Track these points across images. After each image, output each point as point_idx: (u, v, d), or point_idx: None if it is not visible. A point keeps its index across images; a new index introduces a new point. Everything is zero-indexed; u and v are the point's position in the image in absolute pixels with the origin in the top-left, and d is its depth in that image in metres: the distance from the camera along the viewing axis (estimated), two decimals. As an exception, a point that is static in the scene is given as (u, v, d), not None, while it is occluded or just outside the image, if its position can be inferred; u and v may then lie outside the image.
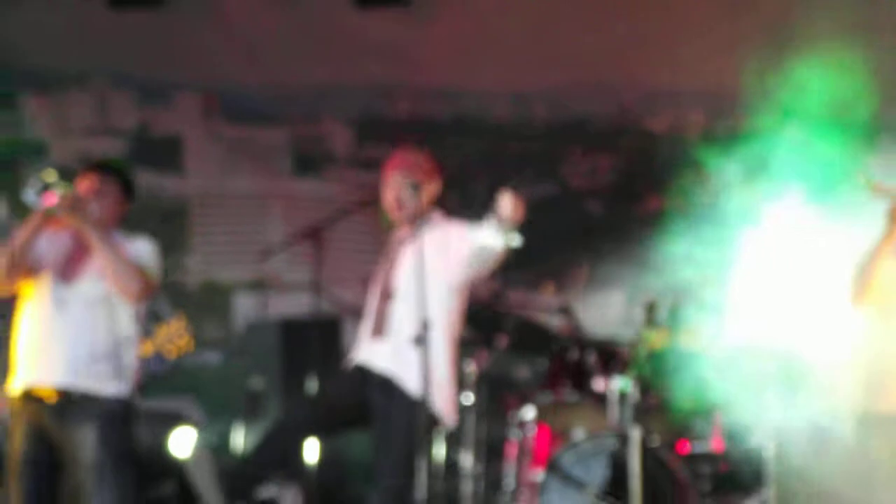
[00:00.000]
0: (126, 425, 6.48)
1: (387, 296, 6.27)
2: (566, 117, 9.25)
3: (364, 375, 6.21)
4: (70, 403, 6.27)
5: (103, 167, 6.40)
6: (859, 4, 9.56)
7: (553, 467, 7.05)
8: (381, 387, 6.14)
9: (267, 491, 8.14)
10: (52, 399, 6.29)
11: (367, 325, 6.36)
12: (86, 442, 6.48)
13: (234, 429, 8.31)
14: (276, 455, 6.61)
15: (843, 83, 8.73)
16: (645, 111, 9.27)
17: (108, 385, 6.29)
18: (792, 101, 8.55)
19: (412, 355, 6.04)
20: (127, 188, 6.33)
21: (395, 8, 8.98)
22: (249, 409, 8.24)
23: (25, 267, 6.24)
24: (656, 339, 8.35)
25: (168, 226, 8.67)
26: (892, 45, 9.90)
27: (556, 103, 9.30)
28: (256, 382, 8.42)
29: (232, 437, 8.35)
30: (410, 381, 6.07)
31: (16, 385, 6.32)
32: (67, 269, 6.29)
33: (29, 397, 6.28)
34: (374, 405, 6.14)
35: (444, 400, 6.15)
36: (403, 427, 6.12)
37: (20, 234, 6.17)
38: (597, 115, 9.39)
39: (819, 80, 8.76)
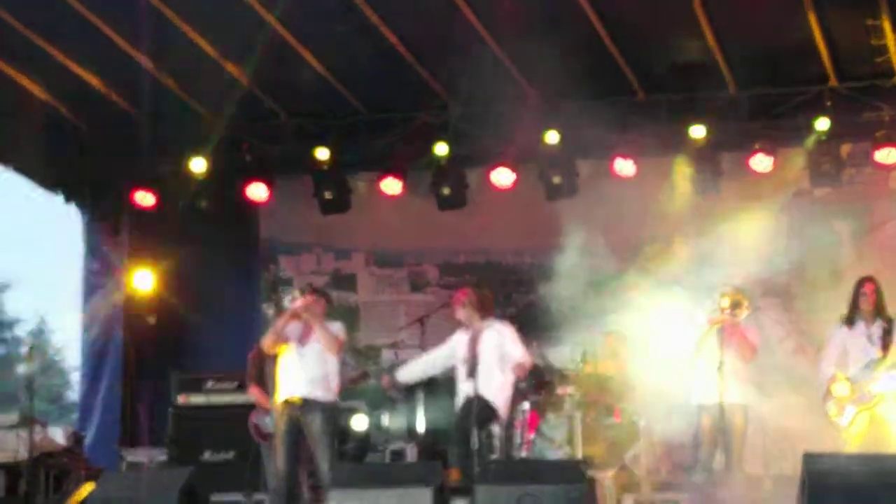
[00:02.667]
0: (334, 414, 10.60)
1: (474, 358, 10.91)
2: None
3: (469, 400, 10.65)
4: (308, 404, 10.46)
5: (316, 290, 11.06)
6: None
7: (538, 432, 12.82)
8: (475, 400, 10.63)
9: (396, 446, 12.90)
10: (299, 402, 10.47)
11: (462, 377, 10.80)
12: (316, 422, 10.52)
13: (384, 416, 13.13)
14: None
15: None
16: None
17: (327, 395, 10.53)
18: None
19: (487, 384, 10.90)
20: (328, 300, 11.04)
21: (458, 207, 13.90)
22: (391, 405, 13.07)
23: (282, 340, 10.58)
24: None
25: (351, 317, 14.37)
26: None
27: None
28: (394, 394, 12.89)
29: (383, 421, 13.12)
30: (489, 398, 10.94)
31: (280, 398, 10.53)
32: (302, 339, 10.57)
33: (287, 402, 10.48)
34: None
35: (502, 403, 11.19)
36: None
37: (280, 323, 10.54)
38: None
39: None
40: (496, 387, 11.01)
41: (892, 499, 9.14)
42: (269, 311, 13.80)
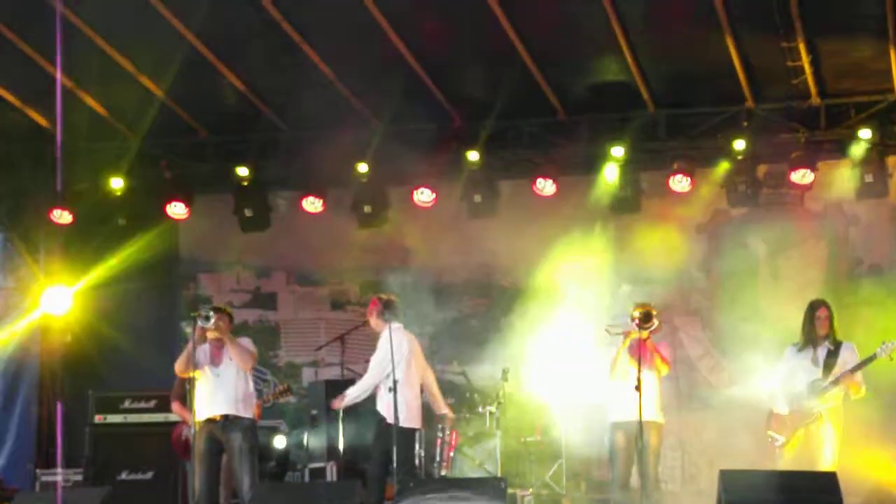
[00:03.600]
0: (253, 432, 10.71)
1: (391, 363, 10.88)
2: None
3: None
4: (228, 421, 10.59)
5: (218, 309, 10.78)
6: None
7: (458, 450, 12.92)
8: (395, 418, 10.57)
9: (316, 464, 12.75)
10: (219, 420, 10.58)
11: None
12: (237, 440, 10.60)
13: (304, 435, 13.01)
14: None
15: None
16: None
17: (246, 412, 10.65)
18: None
19: (406, 399, 10.70)
20: (230, 318, 10.82)
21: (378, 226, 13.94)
22: (311, 424, 13.02)
23: (192, 366, 10.49)
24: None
25: (271, 336, 14.38)
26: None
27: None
28: (314, 412, 13.05)
29: (304, 439, 12.98)
30: (409, 408, 10.76)
31: (199, 417, 10.55)
32: (215, 360, 10.66)
33: (207, 420, 10.57)
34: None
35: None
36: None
37: (189, 347, 10.49)
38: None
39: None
40: (413, 395, 10.99)
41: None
42: (187, 329, 13.67)
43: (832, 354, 11.03)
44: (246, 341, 11.01)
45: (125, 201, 13.79)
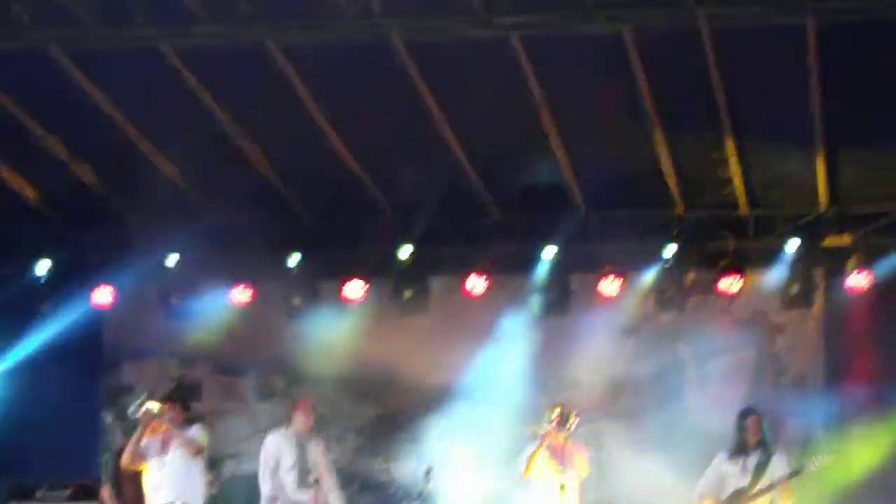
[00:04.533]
0: None
1: (306, 467, 11.29)
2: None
3: None
4: None
5: (172, 398, 11.56)
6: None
7: None
8: None
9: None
10: None
11: (291, 484, 11.22)
12: None
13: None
14: None
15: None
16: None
17: (194, 500, 11.01)
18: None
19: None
20: (184, 405, 11.48)
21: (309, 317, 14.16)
22: None
23: (140, 457, 10.91)
24: None
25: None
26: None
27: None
28: None
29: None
30: None
31: None
32: (163, 448, 10.95)
33: None
34: None
35: None
36: None
37: (134, 438, 10.91)
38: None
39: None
40: (328, 493, 11.08)
41: None
42: (107, 418, 13.56)
43: (762, 463, 11.12)
44: (195, 430, 11.17)
45: (50, 286, 13.62)
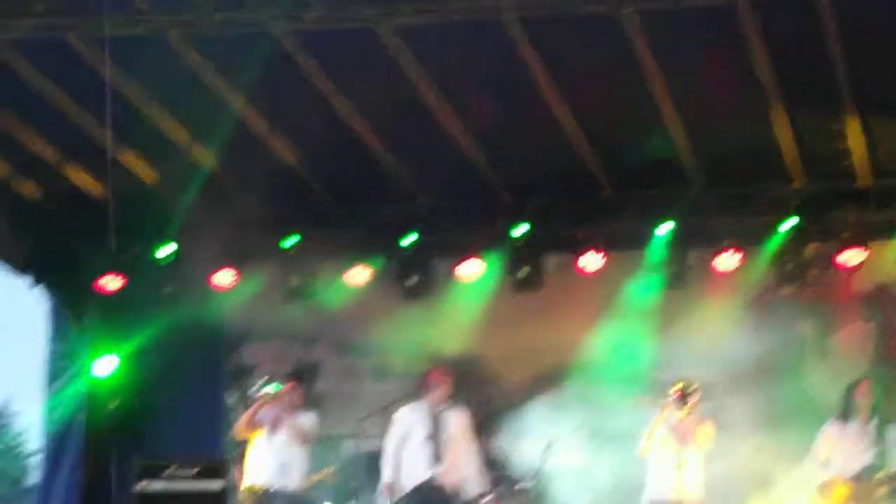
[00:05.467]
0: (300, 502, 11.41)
1: (436, 441, 11.36)
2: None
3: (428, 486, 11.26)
4: (270, 495, 11.13)
5: (296, 378, 11.96)
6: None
7: None
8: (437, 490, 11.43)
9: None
10: (262, 492, 11.16)
11: (419, 458, 11.41)
12: None
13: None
14: None
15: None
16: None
17: (291, 484, 11.18)
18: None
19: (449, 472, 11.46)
20: (305, 388, 11.99)
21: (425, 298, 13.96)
22: (353, 497, 13.14)
23: (254, 425, 11.30)
24: None
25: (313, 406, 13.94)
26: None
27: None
28: (354, 484, 12.91)
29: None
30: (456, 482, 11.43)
31: (247, 482, 11.32)
32: (274, 426, 11.28)
33: (251, 490, 11.18)
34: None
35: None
36: None
37: (252, 409, 11.35)
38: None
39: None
40: (462, 468, 10.92)
41: None
42: (230, 399, 13.78)
43: (880, 432, 11.18)
44: (309, 418, 11.40)
45: (173, 269, 13.88)
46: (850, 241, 12.82)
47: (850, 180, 12.93)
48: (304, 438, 11.21)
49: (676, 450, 10.89)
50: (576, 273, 13.45)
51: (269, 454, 11.14)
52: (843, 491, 11.00)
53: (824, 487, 11.18)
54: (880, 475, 10.96)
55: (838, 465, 11.13)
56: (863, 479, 10.99)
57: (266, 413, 11.23)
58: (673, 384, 11.04)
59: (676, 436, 11.00)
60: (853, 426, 11.15)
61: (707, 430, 11.07)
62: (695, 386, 11.00)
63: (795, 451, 11.97)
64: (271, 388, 11.24)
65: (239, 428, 11.22)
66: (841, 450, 11.15)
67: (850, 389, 11.27)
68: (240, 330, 14.61)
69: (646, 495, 11.24)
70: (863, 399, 11.15)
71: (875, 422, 11.10)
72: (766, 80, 11.34)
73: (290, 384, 11.33)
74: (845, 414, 11.21)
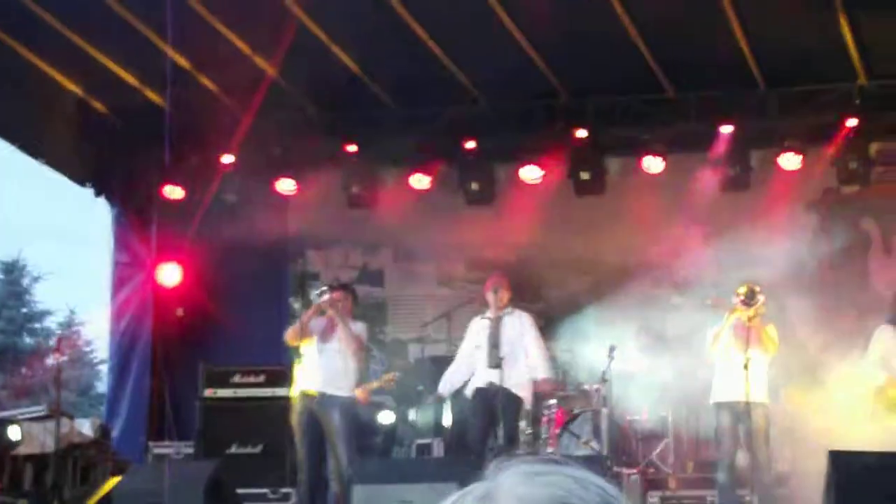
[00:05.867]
0: (351, 410, 11.14)
1: (497, 345, 11.35)
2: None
3: (489, 390, 11.14)
4: (325, 399, 10.98)
5: (345, 287, 11.81)
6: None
7: (564, 428, 13.40)
8: (500, 392, 11.03)
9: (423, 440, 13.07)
10: (316, 396, 10.96)
11: (482, 365, 11.37)
12: (334, 418, 11.01)
13: (411, 411, 13.33)
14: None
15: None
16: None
17: (344, 391, 11.15)
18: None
19: (510, 374, 11.18)
20: (354, 297, 11.71)
21: (486, 203, 14.39)
22: (418, 400, 13.32)
23: (306, 333, 11.15)
24: None
25: (378, 312, 14.45)
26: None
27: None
28: (420, 388, 13.24)
29: (410, 415, 13.32)
30: (512, 388, 11.22)
31: (297, 389, 11.15)
32: (325, 334, 11.17)
33: (304, 394, 11.01)
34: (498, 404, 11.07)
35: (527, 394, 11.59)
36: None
37: (305, 317, 11.17)
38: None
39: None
40: (519, 376, 11.10)
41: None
42: (295, 304, 13.87)
43: None
44: (359, 327, 11.25)
45: (235, 177, 13.96)
46: (915, 138, 12.68)
47: (915, 76, 12.77)
48: (359, 346, 11.19)
49: (742, 351, 10.86)
50: (638, 175, 13.46)
51: (320, 362, 11.14)
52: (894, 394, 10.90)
53: (879, 391, 11.07)
54: None
55: (892, 367, 10.97)
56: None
57: (317, 322, 11.25)
58: (739, 286, 10.97)
59: (742, 337, 10.96)
60: None
61: (771, 332, 11.05)
62: (760, 288, 10.94)
63: (858, 352, 11.80)
64: (323, 294, 11.22)
65: (289, 335, 11.24)
66: (894, 353, 11.01)
67: None
68: (303, 237, 14.73)
69: (712, 396, 11.19)
70: None
71: None
72: (830, -23, 11.25)
73: (338, 292, 11.26)
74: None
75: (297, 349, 11.29)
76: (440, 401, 11.64)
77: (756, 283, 10.91)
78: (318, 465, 11.02)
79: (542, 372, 11.35)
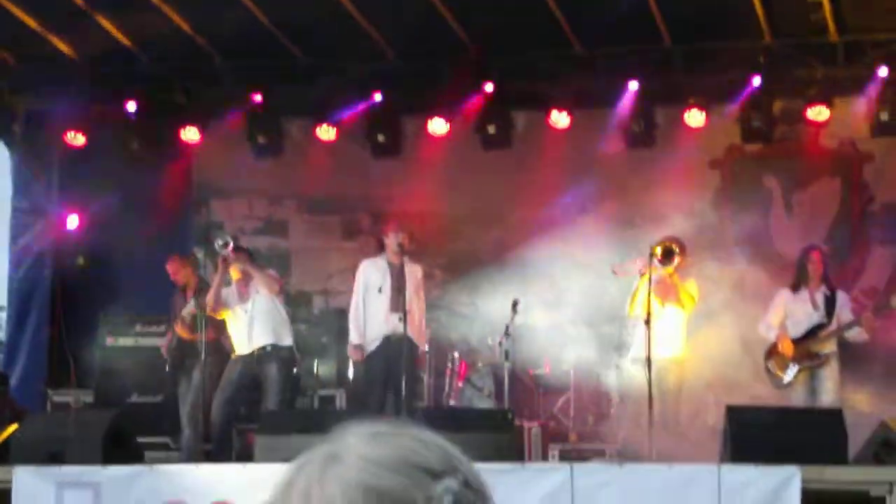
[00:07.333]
0: (291, 362, 11.34)
1: (401, 292, 11.05)
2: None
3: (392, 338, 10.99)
4: (266, 353, 11.14)
5: (238, 247, 11.34)
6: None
7: (467, 381, 13.46)
8: (405, 341, 10.88)
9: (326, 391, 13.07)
10: (257, 352, 11.11)
11: (383, 309, 11.23)
12: (272, 371, 11.16)
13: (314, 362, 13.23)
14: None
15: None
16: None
17: (284, 340, 11.22)
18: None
19: (412, 322, 11.03)
20: (250, 256, 11.58)
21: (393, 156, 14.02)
22: (321, 351, 14.13)
23: (222, 306, 11.17)
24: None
25: (283, 263, 14.03)
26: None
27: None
28: (324, 339, 13.55)
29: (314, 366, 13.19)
30: (413, 337, 11.10)
31: (238, 352, 11.22)
32: (243, 297, 11.20)
33: (243, 355, 11.16)
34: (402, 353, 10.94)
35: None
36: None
37: (215, 284, 11.12)
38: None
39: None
40: (419, 325, 11.15)
41: (811, 450, 9.41)
42: (199, 254, 13.79)
43: (830, 299, 11.20)
44: (272, 271, 11.51)
45: (139, 125, 13.81)
46: (817, 96, 12.84)
47: (817, 36, 12.90)
48: (280, 287, 11.26)
49: (654, 308, 10.97)
50: (545, 130, 13.51)
51: (250, 320, 11.17)
52: (788, 346, 11.12)
53: (771, 348, 11.37)
54: (827, 331, 11.10)
55: (788, 329, 11.23)
56: (808, 336, 11.13)
57: (229, 292, 11.24)
58: (656, 244, 11.05)
59: (659, 293, 11.07)
60: (803, 294, 11.24)
61: (691, 289, 11.19)
62: (679, 245, 11.05)
63: (761, 309, 11.92)
64: (225, 246, 11.13)
65: (208, 307, 11.22)
66: (791, 315, 11.27)
67: (803, 258, 11.37)
68: (207, 187, 14.62)
69: (630, 352, 11.33)
70: (814, 269, 11.24)
71: (823, 289, 11.26)
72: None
73: (230, 248, 11.18)
74: (797, 282, 11.32)
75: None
76: (360, 353, 11.51)
77: (674, 240, 10.99)
78: (229, 421, 11.16)
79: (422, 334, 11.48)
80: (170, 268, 12.08)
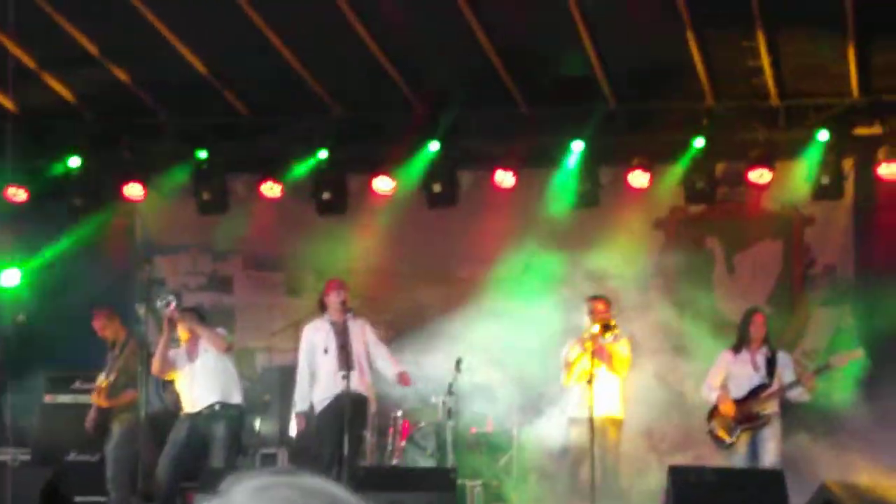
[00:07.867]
0: (240, 421, 11.26)
1: (346, 350, 10.93)
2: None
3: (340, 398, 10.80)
4: (214, 411, 10.96)
5: (186, 309, 11.35)
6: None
7: (409, 440, 13.37)
8: (351, 399, 10.74)
9: (268, 450, 12.95)
10: (205, 410, 10.96)
11: (331, 369, 11.05)
12: (219, 430, 11.03)
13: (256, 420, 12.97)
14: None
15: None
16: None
17: (234, 398, 11.13)
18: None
19: (360, 381, 11.01)
20: (199, 316, 11.47)
21: (338, 213, 13.98)
22: (263, 410, 13.50)
23: (170, 367, 10.98)
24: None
25: (227, 319, 13.82)
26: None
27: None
28: (266, 397, 13.25)
29: (255, 425, 12.87)
30: (363, 392, 11.10)
31: (186, 410, 11.07)
32: (191, 356, 11.08)
33: (191, 414, 11.00)
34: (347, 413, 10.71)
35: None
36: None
37: (161, 344, 11.05)
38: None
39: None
40: (366, 383, 11.09)
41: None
42: (140, 311, 13.66)
43: (771, 360, 11.33)
44: (220, 329, 11.39)
45: (82, 181, 13.74)
46: (760, 159, 12.95)
47: (759, 99, 13.01)
48: (227, 346, 11.19)
49: (591, 368, 11.04)
50: (491, 189, 13.56)
51: (199, 380, 11.10)
52: (729, 407, 11.17)
53: (713, 410, 11.39)
54: (768, 392, 11.23)
55: (730, 391, 11.31)
56: (750, 397, 11.25)
57: (177, 353, 11.19)
58: (593, 321, 11.13)
59: (595, 357, 11.16)
60: (744, 355, 11.32)
61: (623, 351, 11.29)
62: (614, 320, 11.19)
63: (703, 369, 12.03)
64: (168, 304, 11.08)
65: (155, 368, 11.16)
66: (733, 377, 11.35)
67: (745, 321, 11.48)
68: (150, 242, 14.55)
69: (567, 411, 11.38)
70: (756, 331, 11.33)
71: (765, 350, 11.38)
72: (680, -1, 11.43)
73: (172, 307, 11.13)
74: (738, 344, 11.37)
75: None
76: (303, 421, 11.43)
77: (609, 316, 11.08)
78: (176, 481, 11.07)
79: (396, 366, 11.25)
80: (96, 324, 12.01)
